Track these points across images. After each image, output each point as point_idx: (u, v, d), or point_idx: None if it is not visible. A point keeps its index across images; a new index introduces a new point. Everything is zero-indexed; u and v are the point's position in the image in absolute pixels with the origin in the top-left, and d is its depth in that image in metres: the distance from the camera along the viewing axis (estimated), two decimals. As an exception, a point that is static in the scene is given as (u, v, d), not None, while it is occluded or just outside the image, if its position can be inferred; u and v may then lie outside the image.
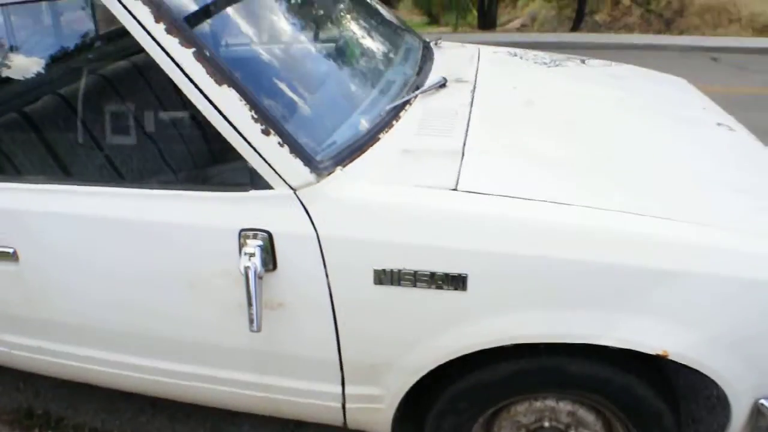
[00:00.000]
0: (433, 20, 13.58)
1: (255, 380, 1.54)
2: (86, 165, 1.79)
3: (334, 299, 1.34)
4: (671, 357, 1.26)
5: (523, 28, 12.22)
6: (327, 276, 1.32)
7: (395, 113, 1.62)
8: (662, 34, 9.74)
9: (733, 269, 1.22)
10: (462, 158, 1.42)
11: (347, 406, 1.52)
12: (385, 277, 1.29)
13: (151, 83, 1.75)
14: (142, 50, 1.31)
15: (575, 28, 10.64)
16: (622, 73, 2.43)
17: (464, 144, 1.48)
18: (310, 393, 1.52)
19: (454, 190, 1.31)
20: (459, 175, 1.35)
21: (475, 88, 1.88)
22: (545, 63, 2.32)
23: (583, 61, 2.47)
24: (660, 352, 1.26)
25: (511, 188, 1.32)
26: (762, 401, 1.31)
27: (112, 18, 1.31)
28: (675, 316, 1.24)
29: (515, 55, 2.46)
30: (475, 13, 13.03)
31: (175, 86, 1.31)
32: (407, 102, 1.69)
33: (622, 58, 2.86)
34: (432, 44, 2.38)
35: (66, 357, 1.70)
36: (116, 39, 1.95)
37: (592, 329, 1.27)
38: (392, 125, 1.57)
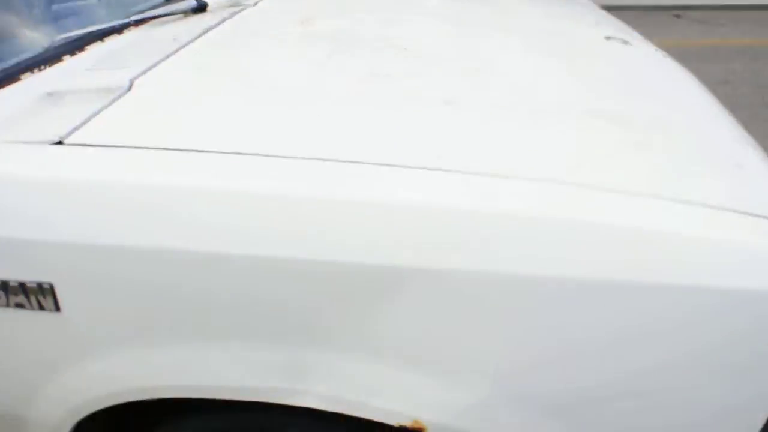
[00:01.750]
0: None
1: None
2: None
3: None
4: (431, 430, 0.78)
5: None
6: None
7: (79, 45, 1.14)
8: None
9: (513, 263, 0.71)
10: (117, 98, 0.95)
11: None
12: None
13: None
14: None
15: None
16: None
17: (135, 78, 1.01)
18: None
19: (58, 143, 0.84)
20: (87, 121, 0.88)
21: (243, 9, 1.40)
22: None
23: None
24: (409, 423, 0.77)
25: (162, 136, 0.85)
26: None
27: None
28: (432, 358, 0.75)
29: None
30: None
31: None
32: (115, 30, 1.22)
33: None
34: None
35: None
36: None
37: (287, 380, 0.79)
38: (62, 60, 1.10)
